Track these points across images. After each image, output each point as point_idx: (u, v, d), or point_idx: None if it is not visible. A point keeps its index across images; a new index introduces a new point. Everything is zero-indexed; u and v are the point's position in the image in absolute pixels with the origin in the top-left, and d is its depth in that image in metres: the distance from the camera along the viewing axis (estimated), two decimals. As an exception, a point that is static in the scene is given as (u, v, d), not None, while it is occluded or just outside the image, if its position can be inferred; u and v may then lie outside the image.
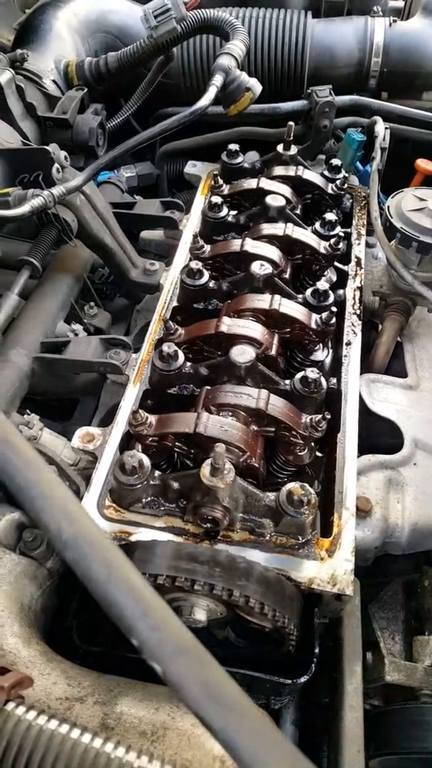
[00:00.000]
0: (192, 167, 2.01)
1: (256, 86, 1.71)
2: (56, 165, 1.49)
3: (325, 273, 1.68)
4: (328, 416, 1.23)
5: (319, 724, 1.34)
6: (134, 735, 0.93)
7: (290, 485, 1.13)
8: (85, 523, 0.62)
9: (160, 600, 0.58)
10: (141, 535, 1.15)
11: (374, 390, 1.55)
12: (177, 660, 0.54)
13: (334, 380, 1.43)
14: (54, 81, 1.79)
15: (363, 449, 1.35)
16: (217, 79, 1.63)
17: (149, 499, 1.19)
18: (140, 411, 1.20)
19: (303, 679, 1.10)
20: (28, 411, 1.40)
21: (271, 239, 1.58)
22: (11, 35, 2.15)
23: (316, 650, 1.11)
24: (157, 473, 1.18)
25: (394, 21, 2.15)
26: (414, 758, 1.14)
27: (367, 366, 1.64)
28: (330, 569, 1.13)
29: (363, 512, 1.29)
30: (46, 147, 1.46)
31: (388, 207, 1.65)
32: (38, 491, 0.63)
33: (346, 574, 1.12)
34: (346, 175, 1.83)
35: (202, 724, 0.53)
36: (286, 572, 1.11)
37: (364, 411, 1.46)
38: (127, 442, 1.33)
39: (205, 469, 1.09)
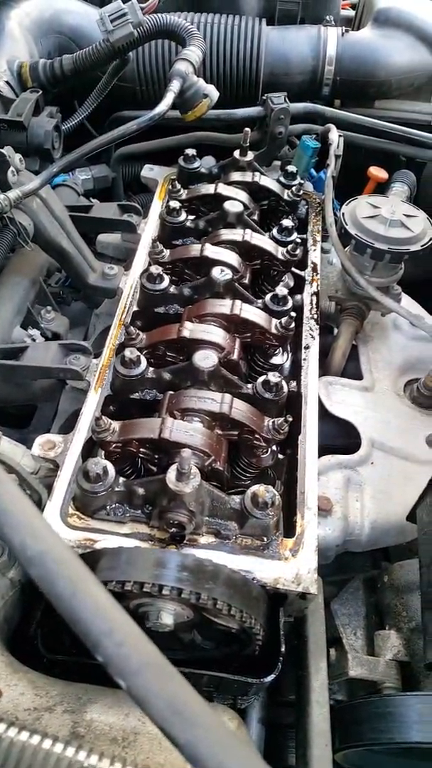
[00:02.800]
0: (149, 171, 2.00)
1: (213, 92, 1.72)
2: (11, 168, 1.46)
3: (283, 278, 1.71)
4: (290, 419, 1.26)
5: (285, 722, 1.37)
6: (105, 742, 0.93)
7: (255, 488, 1.15)
8: (49, 539, 0.61)
9: (125, 616, 0.58)
10: (106, 542, 1.15)
11: (332, 392, 1.59)
12: (141, 675, 0.54)
13: (294, 383, 1.45)
14: (7, 82, 1.75)
15: (321, 450, 1.39)
16: (175, 85, 1.63)
17: (114, 505, 1.18)
18: (103, 417, 1.19)
19: (269, 678, 1.12)
20: (-16, 419, 1.37)
21: (230, 245, 1.59)
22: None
23: (283, 649, 1.13)
24: (121, 480, 1.18)
25: (346, 31, 2.21)
26: (377, 749, 1.18)
27: (324, 369, 1.68)
28: (294, 568, 1.15)
29: (324, 511, 1.32)
30: (1, 150, 1.43)
31: (343, 214, 1.69)
32: (0, 506, 0.62)
33: (310, 572, 1.15)
34: (302, 181, 1.87)
35: (167, 738, 0.53)
36: (252, 573, 1.13)
37: (322, 412, 1.49)
38: (90, 449, 1.32)
39: (171, 474, 1.09)
